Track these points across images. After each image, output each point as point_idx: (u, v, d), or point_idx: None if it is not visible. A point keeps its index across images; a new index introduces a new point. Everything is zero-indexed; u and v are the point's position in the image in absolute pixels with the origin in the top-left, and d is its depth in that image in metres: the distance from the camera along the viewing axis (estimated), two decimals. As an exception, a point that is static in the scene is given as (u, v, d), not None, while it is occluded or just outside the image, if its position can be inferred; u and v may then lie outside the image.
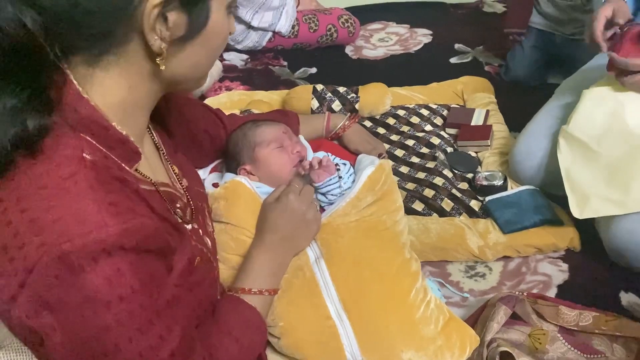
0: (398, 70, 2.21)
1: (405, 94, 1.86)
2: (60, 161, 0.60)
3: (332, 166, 1.09)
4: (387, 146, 1.61)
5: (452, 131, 1.69)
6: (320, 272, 1.01)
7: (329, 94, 1.71)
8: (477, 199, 1.46)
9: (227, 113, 1.26)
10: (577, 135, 1.32)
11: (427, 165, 1.54)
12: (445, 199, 1.43)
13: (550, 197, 1.43)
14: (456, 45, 2.35)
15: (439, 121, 1.73)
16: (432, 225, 1.37)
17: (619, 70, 1.26)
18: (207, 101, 1.80)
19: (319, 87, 1.73)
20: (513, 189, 1.46)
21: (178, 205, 0.81)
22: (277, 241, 0.97)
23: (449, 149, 1.62)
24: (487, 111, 1.72)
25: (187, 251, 0.76)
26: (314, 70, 2.24)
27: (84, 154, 0.62)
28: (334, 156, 1.18)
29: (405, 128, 1.70)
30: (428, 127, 1.70)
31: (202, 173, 1.18)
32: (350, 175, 1.12)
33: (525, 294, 1.15)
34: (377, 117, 1.75)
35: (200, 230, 0.87)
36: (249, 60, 2.30)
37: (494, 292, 1.27)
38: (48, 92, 0.61)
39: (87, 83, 0.64)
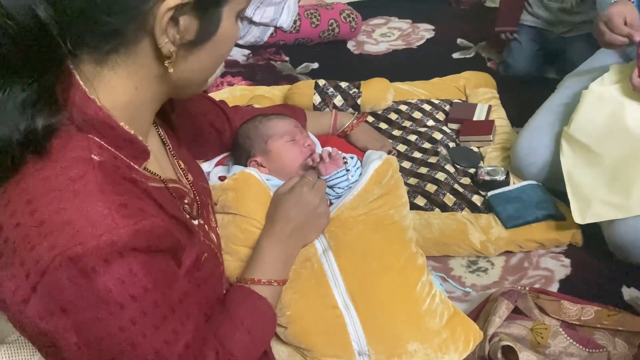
0: (400, 65, 2.20)
1: (408, 89, 1.86)
2: (69, 163, 0.60)
3: (340, 159, 1.10)
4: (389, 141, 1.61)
5: (455, 126, 1.69)
6: (328, 264, 1.01)
7: (331, 89, 1.71)
8: (479, 194, 1.46)
9: (230, 107, 1.26)
10: (579, 138, 1.33)
11: (429, 161, 1.54)
12: (448, 194, 1.43)
13: (552, 192, 1.43)
14: (458, 41, 2.34)
15: (441, 116, 1.73)
16: (435, 220, 1.37)
17: None
18: (209, 96, 1.80)
19: (321, 82, 1.73)
20: (515, 184, 1.46)
21: (186, 201, 0.81)
22: (288, 231, 0.97)
23: (451, 144, 1.62)
24: (490, 106, 1.72)
25: (195, 248, 0.76)
26: (315, 65, 2.23)
27: (92, 155, 0.62)
28: (340, 151, 1.18)
29: (407, 123, 1.70)
30: (430, 122, 1.70)
31: (207, 166, 1.18)
32: (357, 168, 1.13)
33: (527, 288, 1.16)
34: (379, 112, 1.74)
35: (206, 226, 0.88)
36: (251, 55, 2.30)
37: (496, 287, 1.28)
38: (55, 91, 0.61)
39: (94, 82, 0.64)
